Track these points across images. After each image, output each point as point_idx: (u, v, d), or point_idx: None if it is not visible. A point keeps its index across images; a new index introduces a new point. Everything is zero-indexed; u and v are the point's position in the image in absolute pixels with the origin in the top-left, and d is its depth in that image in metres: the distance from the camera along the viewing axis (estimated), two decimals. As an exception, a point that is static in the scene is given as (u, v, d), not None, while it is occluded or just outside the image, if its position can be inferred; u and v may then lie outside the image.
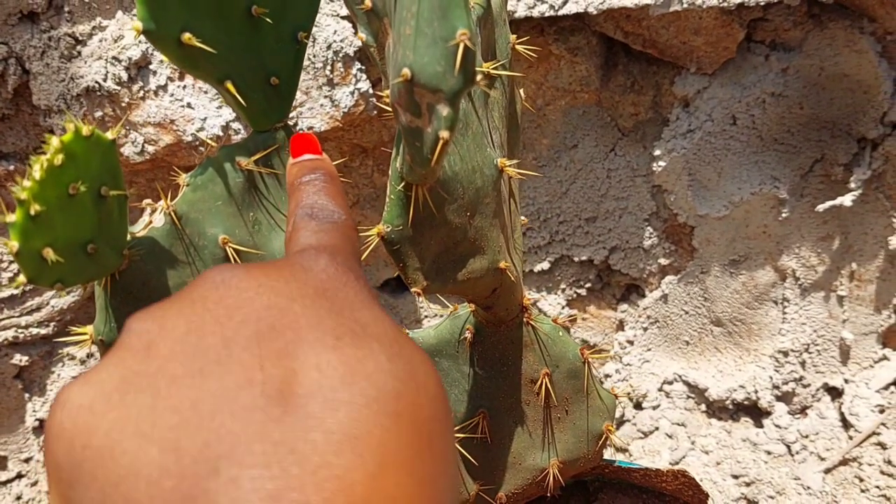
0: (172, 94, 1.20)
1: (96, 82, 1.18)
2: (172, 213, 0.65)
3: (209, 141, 0.68)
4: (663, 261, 1.40)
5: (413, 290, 0.75)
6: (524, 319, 0.88)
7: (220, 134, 1.20)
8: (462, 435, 0.88)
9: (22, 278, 0.54)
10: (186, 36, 0.60)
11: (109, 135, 0.57)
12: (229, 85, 0.65)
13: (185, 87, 1.19)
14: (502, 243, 0.80)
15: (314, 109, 1.20)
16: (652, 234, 1.38)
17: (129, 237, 0.64)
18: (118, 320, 0.66)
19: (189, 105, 1.20)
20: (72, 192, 0.55)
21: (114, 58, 1.17)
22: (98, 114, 1.21)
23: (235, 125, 1.20)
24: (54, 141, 0.54)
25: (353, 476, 0.26)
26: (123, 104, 1.20)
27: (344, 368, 0.29)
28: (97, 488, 0.28)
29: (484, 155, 0.75)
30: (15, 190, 0.52)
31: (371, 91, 1.22)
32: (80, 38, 1.18)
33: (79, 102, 1.21)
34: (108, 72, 1.18)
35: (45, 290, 1.42)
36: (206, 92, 1.20)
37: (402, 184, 0.68)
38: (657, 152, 1.29)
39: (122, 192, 0.60)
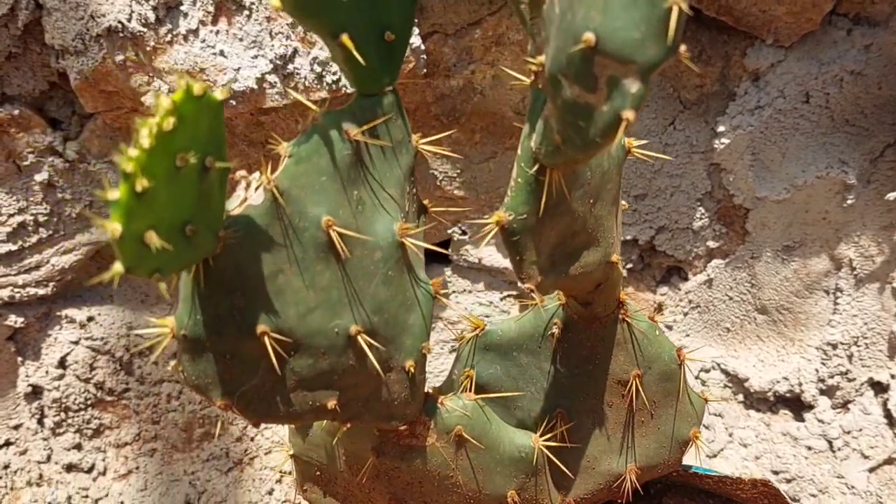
0: (204, 40, 1.08)
1: (119, 22, 1.06)
2: (275, 189, 0.55)
3: (311, 104, 0.58)
4: (712, 243, 1.32)
5: (526, 285, 0.66)
6: (620, 316, 0.79)
7: (255, 87, 1.09)
8: (551, 443, 0.79)
9: (118, 267, 0.44)
10: (310, -23, 0.50)
11: (219, 95, 0.47)
12: (346, 39, 0.54)
13: (217, 32, 1.08)
14: (615, 234, 0.71)
15: (360, 65, 1.09)
16: (703, 214, 1.30)
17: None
18: (205, 312, 0.56)
19: (222, 53, 1.08)
20: (179, 164, 0.45)
21: (141, -4, 1.05)
22: (119, 58, 1.09)
23: (272, 77, 1.09)
24: (164, 101, 0.43)
25: None
26: (148, 48, 1.08)
27: None
28: None
29: (612, 134, 0.65)
30: (119, 161, 0.42)
31: (422, 46, 1.11)
32: (104, -28, 1.06)
33: (98, 44, 1.08)
34: (133, 11, 1.06)
35: (45, 247, 1.31)
36: (241, 39, 1.08)
37: (536, 167, 0.59)
38: (721, 128, 1.21)
39: (227, 164, 0.50)
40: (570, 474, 0.85)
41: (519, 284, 0.76)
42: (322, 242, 0.58)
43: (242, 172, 0.55)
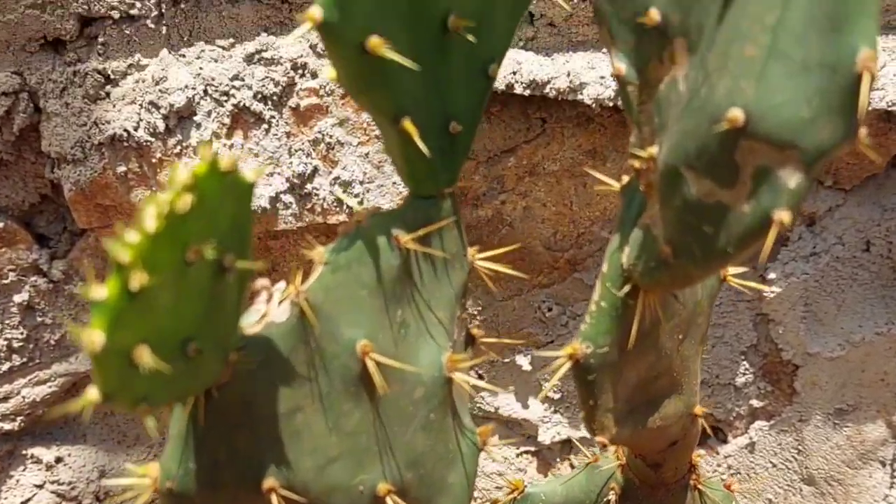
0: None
1: (125, 130, 0.97)
2: (305, 303, 0.43)
3: (354, 204, 0.48)
4: (756, 402, 1.20)
5: (598, 439, 0.54)
6: (691, 482, 0.67)
7: (268, 207, 0.99)
8: None
9: (93, 394, 0.32)
10: (374, 41, 0.40)
11: (251, 176, 0.36)
12: (407, 123, 0.44)
13: (231, 146, 0.99)
14: (697, 381, 0.60)
15: (384, 187, 1.00)
16: (748, 370, 1.19)
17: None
18: (199, 458, 0.43)
19: (233, 168, 0.99)
20: (191, 259, 0.34)
21: (151, 103, 0.97)
22: (121, 168, 0.99)
23: (287, 197, 0.99)
24: (182, 173, 0.33)
25: None
26: (154, 160, 0.99)
27: None
28: None
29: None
30: (112, 247, 0.31)
31: (452, 173, 1.02)
32: (112, 77, 0.97)
33: (99, 153, 0.99)
34: (141, 119, 0.97)
35: (16, 377, 1.18)
36: (256, 155, 0.99)
37: (626, 288, 0.47)
38: (772, 276, 1.11)
39: (251, 265, 0.38)
40: None
41: (589, 435, 0.64)
42: (354, 374, 0.46)
43: (264, 282, 0.44)
